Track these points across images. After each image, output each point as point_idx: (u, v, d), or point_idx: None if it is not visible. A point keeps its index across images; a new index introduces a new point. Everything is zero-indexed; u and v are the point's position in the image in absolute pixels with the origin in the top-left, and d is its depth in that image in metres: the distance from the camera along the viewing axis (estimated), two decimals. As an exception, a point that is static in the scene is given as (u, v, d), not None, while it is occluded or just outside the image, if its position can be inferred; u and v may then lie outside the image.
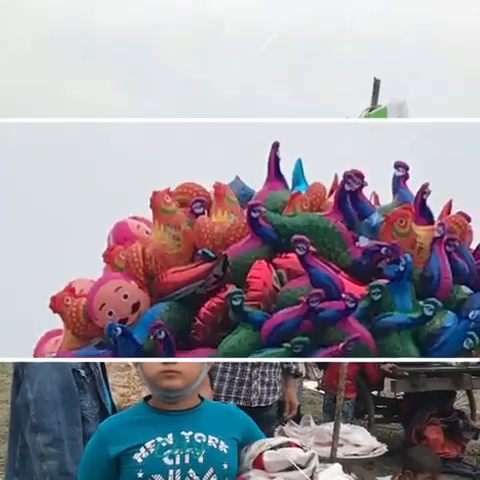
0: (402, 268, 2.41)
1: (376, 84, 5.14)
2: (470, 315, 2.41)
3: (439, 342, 2.41)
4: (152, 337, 2.39)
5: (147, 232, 2.58)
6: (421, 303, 2.41)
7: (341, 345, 2.34)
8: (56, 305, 2.48)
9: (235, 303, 2.38)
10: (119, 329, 2.39)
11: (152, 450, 2.09)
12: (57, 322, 2.54)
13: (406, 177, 2.61)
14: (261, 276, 2.43)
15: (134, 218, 2.63)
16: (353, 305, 2.36)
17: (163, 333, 2.38)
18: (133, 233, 2.58)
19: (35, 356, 2.51)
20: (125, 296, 2.44)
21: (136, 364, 2.29)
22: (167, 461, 2.09)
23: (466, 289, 2.52)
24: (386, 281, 2.43)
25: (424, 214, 2.56)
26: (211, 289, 2.45)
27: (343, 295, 2.37)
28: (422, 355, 2.42)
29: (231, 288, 2.42)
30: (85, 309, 2.46)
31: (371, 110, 5.06)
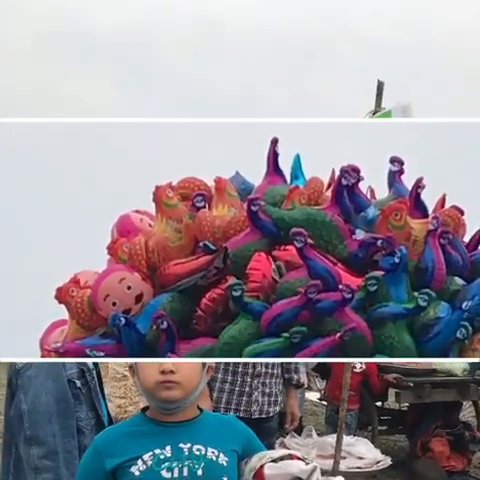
0: (397, 260, 2.62)
1: (379, 86, 5.32)
2: (463, 306, 2.62)
3: (433, 332, 2.61)
4: (155, 327, 2.60)
5: (150, 225, 2.80)
6: (416, 294, 2.62)
7: (338, 335, 2.53)
8: (61, 296, 2.69)
9: (235, 294, 2.58)
10: (123, 319, 2.60)
11: (149, 463, 2.12)
12: (62, 313, 2.77)
13: (401, 172, 2.83)
14: (260, 268, 2.64)
15: (137, 211, 2.84)
16: (350, 296, 2.56)
17: (165, 323, 2.58)
18: (136, 226, 2.79)
19: (41, 346, 2.73)
20: (128, 287, 2.65)
21: (133, 374, 2.35)
22: (165, 474, 2.14)
23: (459, 280, 2.72)
24: (382, 273, 2.63)
25: (419, 208, 2.78)
26: (212, 280, 2.66)
27: (340, 286, 2.57)
28: (417, 345, 2.62)
29: (231, 280, 2.62)
30: (90, 300, 2.67)
31: (375, 113, 5.26)
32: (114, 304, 2.64)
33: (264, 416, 4.36)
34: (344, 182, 2.72)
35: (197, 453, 2.18)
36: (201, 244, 2.72)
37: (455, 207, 2.81)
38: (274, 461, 2.24)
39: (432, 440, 6.72)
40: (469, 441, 6.83)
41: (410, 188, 2.82)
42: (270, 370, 4.40)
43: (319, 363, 6.69)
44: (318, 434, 5.65)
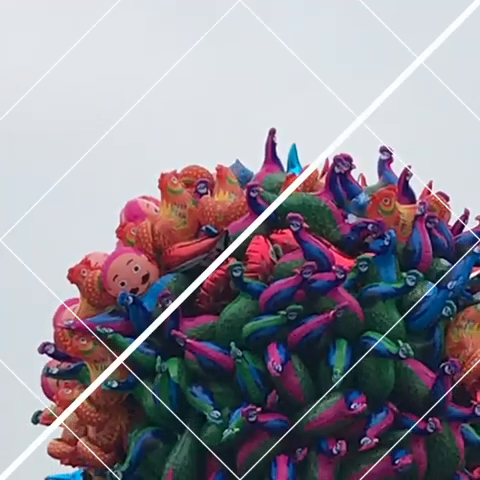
0: (387, 243, 2.98)
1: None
2: (449, 285, 3.00)
3: (420, 310, 3.00)
4: (160, 305, 2.97)
5: (156, 210, 3.18)
6: (404, 274, 2.99)
7: (332, 312, 2.88)
8: (73, 276, 3.08)
9: (236, 274, 2.94)
10: (130, 298, 2.97)
11: None
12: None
13: (390, 160, 3.23)
14: (259, 250, 3.01)
15: (144, 197, 3.24)
16: (342, 276, 2.92)
17: (170, 302, 2.94)
18: (143, 211, 3.18)
19: (54, 323, 3.13)
20: (136, 268, 3.04)
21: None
22: None
23: (445, 262, 3.13)
24: (372, 254, 3.01)
25: (407, 194, 3.18)
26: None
27: (333, 267, 2.93)
28: (405, 321, 2.99)
29: (232, 261, 2.97)
30: (100, 280, 3.06)
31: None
32: (122, 284, 3.02)
33: None
34: (337, 170, 3.10)
35: None
36: (204, 228, 3.10)
37: (441, 193, 3.22)
38: None
39: None
40: None
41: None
42: None
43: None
44: None
